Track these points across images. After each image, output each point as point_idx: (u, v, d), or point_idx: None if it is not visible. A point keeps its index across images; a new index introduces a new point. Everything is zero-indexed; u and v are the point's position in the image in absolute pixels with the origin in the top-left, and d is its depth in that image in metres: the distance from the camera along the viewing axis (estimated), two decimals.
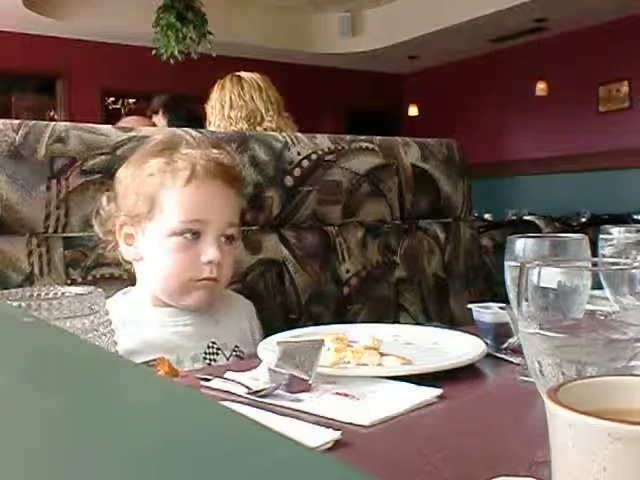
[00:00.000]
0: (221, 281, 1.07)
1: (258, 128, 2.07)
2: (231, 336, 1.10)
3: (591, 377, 0.38)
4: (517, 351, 0.81)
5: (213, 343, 1.07)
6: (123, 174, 1.07)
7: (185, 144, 1.08)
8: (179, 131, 1.17)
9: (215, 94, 2.17)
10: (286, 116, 2.16)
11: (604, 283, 0.51)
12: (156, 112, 3.38)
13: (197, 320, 1.08)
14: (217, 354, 1.07)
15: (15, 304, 0.58)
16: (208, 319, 1.09)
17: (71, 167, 1.15)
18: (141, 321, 1.05)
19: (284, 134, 1.44)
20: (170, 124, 3.18)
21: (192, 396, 0.26)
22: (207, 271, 1.03)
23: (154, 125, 3.30)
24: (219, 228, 1.04)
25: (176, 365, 1.01)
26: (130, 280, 1.16)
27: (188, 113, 3.19)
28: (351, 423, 0.63)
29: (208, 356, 1.06)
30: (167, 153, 1.05)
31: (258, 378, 0.76)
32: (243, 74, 2.18)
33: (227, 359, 1.07)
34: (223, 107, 2.12)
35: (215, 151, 1.10)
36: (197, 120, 2.62)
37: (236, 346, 1.10)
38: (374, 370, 0.80)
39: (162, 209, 1.02)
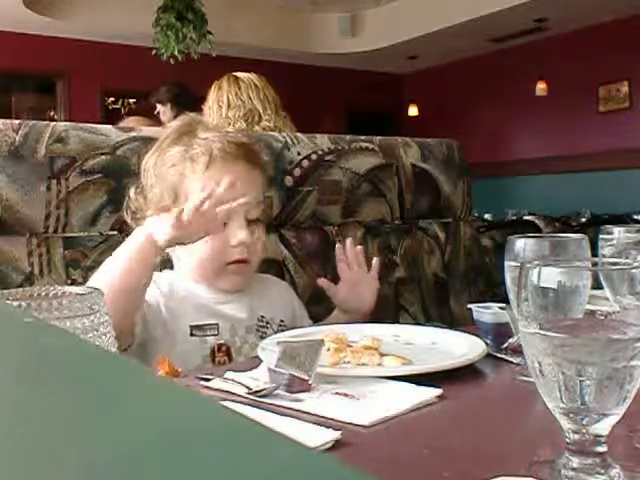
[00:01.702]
0: (252, 261, 1.09)
1: (256, 127, 2.07)
2: (276, 312, 1.14)
3: None
4: (517, 351, 0.81)
5: (262, 317, 1.12)
6: (147, 164, 1.09)
7: (202, 128, 1.09)
8: (193, 115, 1.16)
9: (212, 95, 2.17)
10: (284, 115, 2.16)
11: (604, 283, 0.51)
12: (162, 102, 3.32)
13: (242, 296, 1.11)
14: (267, 327, 1.11)
15: (15, 304, 0.58)
16: (252, 295, 1.13)
17: (71, 167, 1.15)
18: (189, 290, 1.08)
19: (284, 134, 1.44)
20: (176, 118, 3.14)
21: (192, 396, 0.26)
22: (237, 253, 1.05)
23: (157, 121, 3.26)
24: (245, 210, 1.05)
25: (230, 334, 1.07)
26: None
27: (195, 108, 3.17)
28: (351, 423, 0.63)
29: (260, 329, 1.10)
30: (185, 140, 1.06)
31: (258, 378, 0.76)
32: (240, 74, 2.18)
33: (275, 332, 1.10)
34: (221, 107, 2.12)
35: (232, 132, 1.12)
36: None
37: (281, 320, 1.14)
38: (374, 370, 0.80)
39: (187, 196, 1.02)
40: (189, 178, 1.04)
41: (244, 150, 1.08)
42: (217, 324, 1.05)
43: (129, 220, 1.09)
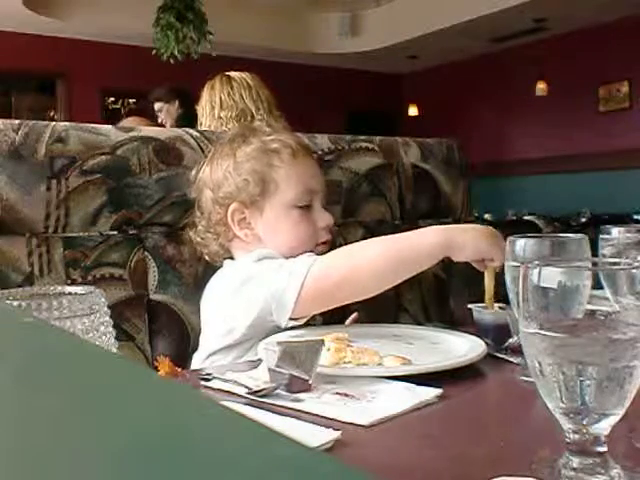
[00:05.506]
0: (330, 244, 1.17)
1: None
2: None
3: None
4: (517, 351, 0.81)
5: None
6: (210, 170, 1.13)
7: (261, 132, 1.16)
8: (246, 124, 1.21)
9: (205, 94, 2.16)
10: (278, 115, 2.15)
11: (604, 283, 0.51)
12: (168, 100, 3.29)
13: None
14: (315, 321, 1.13)
15: (15, 304, 0.58)
16: None
17: (71, 167, 1.15)
18: None
19: None
20: (182, 117, 3.13)
21: (192, 396, 0.26)
22: (324, 235, 1.14)
23: (155, 122, 3.25)
24: (322, 196, 1.15)
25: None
26: (132, 281, 1.16)
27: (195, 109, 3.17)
28: (351, 423, 0.63)
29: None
30: (254, 140, 1.13)
31: (258, 378, 0.76)
32: (233, 74, 2.17)
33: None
34: (213, 108, 2.12)
35: (287, 134, 1.20)
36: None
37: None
38: (374, 370, 0.80)
39: (278, 185, 1.10)
40: (278, 167, 1.10)
41: (308, 148, 1.20)
42: None
43: (199, 221, 1.15)
